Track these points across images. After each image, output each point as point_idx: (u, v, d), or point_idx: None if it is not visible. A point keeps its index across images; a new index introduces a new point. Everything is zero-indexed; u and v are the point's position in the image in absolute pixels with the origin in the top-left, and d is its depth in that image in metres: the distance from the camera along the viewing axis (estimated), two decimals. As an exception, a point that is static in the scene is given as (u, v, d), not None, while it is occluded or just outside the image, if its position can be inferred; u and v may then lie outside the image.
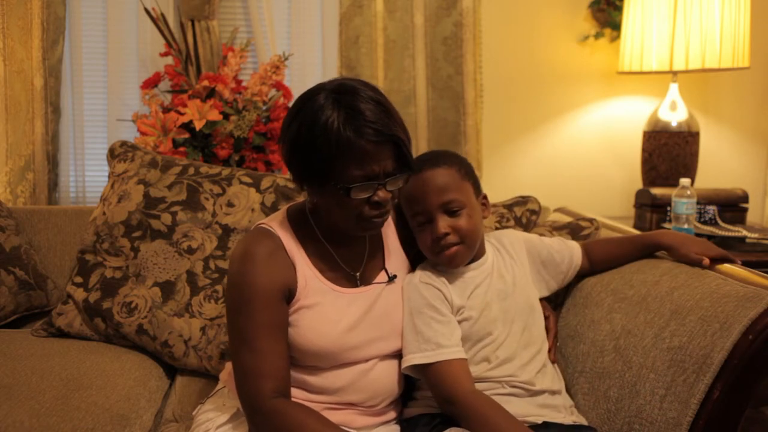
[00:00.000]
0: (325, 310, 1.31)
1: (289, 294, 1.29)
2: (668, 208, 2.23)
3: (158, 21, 2.38)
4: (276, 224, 1.34)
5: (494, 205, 1.79)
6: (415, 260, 1.46)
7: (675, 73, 2.46)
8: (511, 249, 1.49)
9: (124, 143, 1.90)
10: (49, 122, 2.40)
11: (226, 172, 1.80)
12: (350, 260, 1.37)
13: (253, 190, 1.77)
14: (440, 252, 1.36)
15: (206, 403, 1.43)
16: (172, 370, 1.73)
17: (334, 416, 1.27)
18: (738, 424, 1.23)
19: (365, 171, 1.21)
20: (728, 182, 2.71)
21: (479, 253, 1.43)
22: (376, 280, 1.38)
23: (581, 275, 1.58)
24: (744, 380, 1.20)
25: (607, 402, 1.36)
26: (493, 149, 2.70)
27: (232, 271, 1.30)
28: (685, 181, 2.10)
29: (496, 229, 1.73)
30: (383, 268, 1.40)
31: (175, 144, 2.24)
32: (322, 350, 1.29)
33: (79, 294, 1.73)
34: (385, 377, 1.35)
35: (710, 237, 2.15)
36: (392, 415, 1.39)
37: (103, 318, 1.70)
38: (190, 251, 1.71)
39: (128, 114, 2.46)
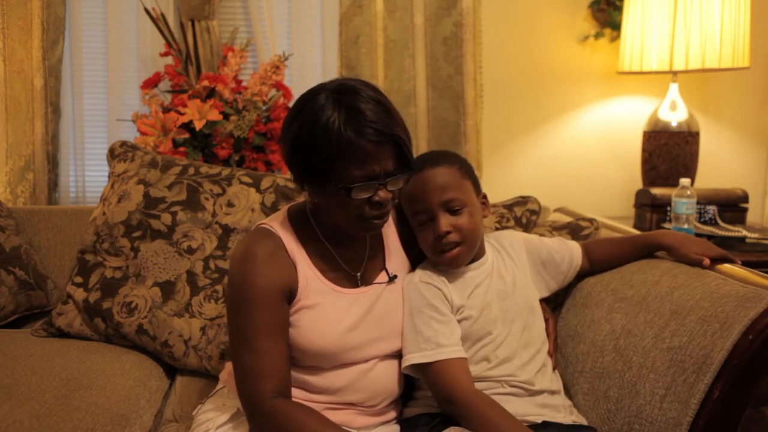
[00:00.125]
0: (326, 310, 1.31)
1: (290, 294, 1.29)
2: (668, 208, 2.23)
3: (158, 21, 2.38)
4: (277, 224, 1.34)
5: (494, 205, 1.79)
6: (416, 260, 1.46)
7: (675, 73, 2.46)
8: (511, 250, 1.49)
9: (124, 143, 1.90)
10: (49, 122, 2.40)
11: (226, 172, 1.80)
12: (351, 260, 1.37)
13: (253, 190, 1.77)
14: (442, 252, 1.36)
15: (206, 403, 1.43)
16: (172, 370, 1.73)
17: (335, 416, 1.27)
18: (738, 424, 1.23)
19: (366, 171, 1.21)
20: (728, 182, 2.71)
21: (479, 253, 1.43)
22: (376, 281, 1.38)
23: (581, 275, 1.58)
24: (744, 380, 1.20)
25: (607, 402, 1.36)
26: (493, 149, 2.70)
27: (233, 271, 1.30)
28: (685, 181, 2.10)
29: (496, 229, 1.73)
30: (384, 268, 1.41)
31: (175, 144, 2.24)
32: (322, 350, 1.29)
33: (79, 294, 1.73)
34: (385, 377, 1.35)
35: (710, 237, 2.15)
36: (392, 414, 1.39)
37: (103, 318, 1.70)
38: (190, 251, 1.71)
39: (128, 114, 2.46)
